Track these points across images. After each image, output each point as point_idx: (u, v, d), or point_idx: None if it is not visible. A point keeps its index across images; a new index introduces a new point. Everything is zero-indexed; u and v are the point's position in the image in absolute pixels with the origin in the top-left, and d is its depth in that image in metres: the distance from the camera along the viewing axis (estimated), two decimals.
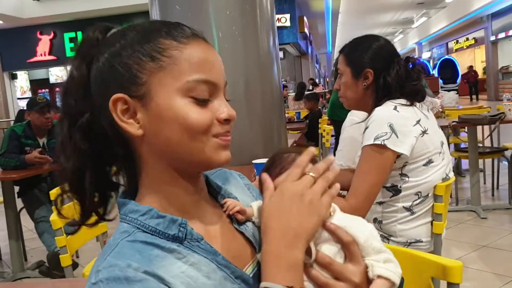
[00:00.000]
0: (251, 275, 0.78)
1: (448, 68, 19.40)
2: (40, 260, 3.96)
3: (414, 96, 1.72)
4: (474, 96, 21.72)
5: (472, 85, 21.61)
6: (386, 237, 1.74)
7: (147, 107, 0.73)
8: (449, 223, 3.93)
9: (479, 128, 4.56)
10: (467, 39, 23.93)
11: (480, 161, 4.66)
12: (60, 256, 1.75)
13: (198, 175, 0.80)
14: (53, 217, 1.78)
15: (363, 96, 1.80)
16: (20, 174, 3.61)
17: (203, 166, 0.77)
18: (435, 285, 1.03)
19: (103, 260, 0.68)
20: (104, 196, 0.80)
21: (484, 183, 5.31)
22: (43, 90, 15.89)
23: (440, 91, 9.82)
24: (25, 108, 4.18)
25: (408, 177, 1.69)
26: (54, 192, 2.38)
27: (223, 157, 0.76)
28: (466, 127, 4.55)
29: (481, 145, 4.79)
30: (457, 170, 5.63)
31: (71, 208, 0.78)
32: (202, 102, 0.73)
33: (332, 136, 5.92)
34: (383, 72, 1.73)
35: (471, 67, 22.20)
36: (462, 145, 5.48)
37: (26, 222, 4.07)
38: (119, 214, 0.77)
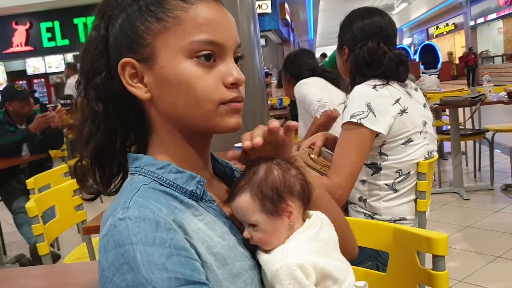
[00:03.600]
0: None
1: (429, 53, 19.49)
2: (20, 253, 3.90)
3: (390, 75, 1.69)
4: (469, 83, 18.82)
5: (471, 69, 19.07)
6: (371, 215, 1.72)
7: (153, 70, 0.72)
8: (432, 205, 3.96)
9: (460, 110, 4.59)
10: (447, 24, 24.15)
11: (462, 143, 4.70)
12: (37, 244, 1.70)
13: (207, 139, 0.79)
14: (29, 204, 1.73)
15: (345, 70, 1.83)
16: None
17: (210, 131, 0.75)
18: (420, 260, 1.01)
19: (129, 198, 0.66)
20: (119, 164, 0.79)
21: (467, 165, 5.36)
22: (20, 82, 15.61)
23: (421, 75, 9.87)
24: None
25: (387, 156, 1.67)
26: (31, 181, 2.32)
27: (231, 123, 0.73)
28: (447, 110, 4.57)
29: (462, 127, 4.81)
30: (440, 153, 5.67)
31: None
32: (207, 65, 0.71)
33: None
34: (352, 51, 1.75)
35: (470, 49, 20.02)
36: (444, 128, 5.51)
37: (5, 216, 3.99)
38: (131, 168, 0.75)
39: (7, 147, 3.68)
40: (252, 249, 0.75)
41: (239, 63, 0.76)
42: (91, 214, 1.90)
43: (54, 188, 2.08)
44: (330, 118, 2.88)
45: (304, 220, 0.77)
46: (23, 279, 1.29)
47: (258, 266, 0.74)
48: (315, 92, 2.97)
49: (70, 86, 8.39)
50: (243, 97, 0.74)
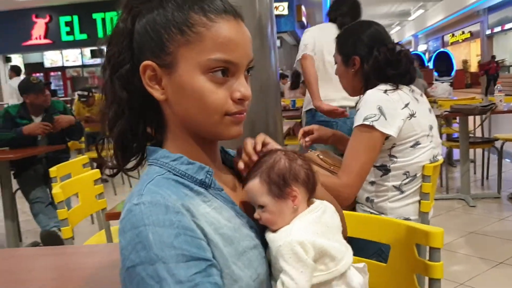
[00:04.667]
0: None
1: (443, 61, 19.45)
2: (35, 241, 4.01)
3: (400, 80, 1.79)
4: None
5: (492, 78, 17.98)
6: (377, 215, 1.81)
7: (171, 76, 0.79)
8: (439, 211, 4.02)
9: (470, 118, 4.64)
10: (463, 32, 24.01)
11: (471, 151, 4.75)
12: (61, 228, 1.81)
13: (215, 141, 0.89)
14: (55, 190, 1.84)
15: (354, 83, 1.89)
16: (17, 154, 3.64)
17: (214, 138, 0.86)
18: (420, 253, 1.10)
19: (143, 186, 0.77)
20: (139, 146, 0.88)
21: (475, 173, 5.40)
22: (38, 74, 15.85)
23: (434, 82, 9.89)
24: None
25: (396, 158, 1.76)
26: (54, 170, 2.43)
27: (233, 132, 0.82)
28: (457, 117, 4.62)
29: (472, 135, 4.87)
30: (449, 160, 5.72)
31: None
32: (220, 80, 0.78)
33: None
34: (366, 59, 1.81)
35: (493, 57, 18.95)
36: (455, 136, 5.56)
37: (21, 204, 4.11)
38: (149, 159, 0.85)
39: (6, 142, 3.77)
40: (256, 231, 0.85)
41: (250, 74, 0.84)
42: (111, 204, 2.01)
43: (77, 177, 2.19)
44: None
45: (308, 206, 0.88)
46: (52, 257, 1.41)
47: (262, 246, 0.84)
48: None
49: (11, 87, 8.85)
50: (247, 109, 0.82)
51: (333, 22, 3.22)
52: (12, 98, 8.83)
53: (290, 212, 0.85)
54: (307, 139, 1.96)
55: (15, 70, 9.20)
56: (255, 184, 0.85)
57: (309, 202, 0.88)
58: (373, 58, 1.79)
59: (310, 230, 0.82)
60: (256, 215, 0.85)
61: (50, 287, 1.16)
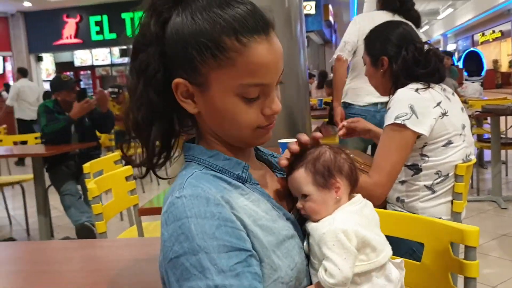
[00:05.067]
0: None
1: (473, 61, 19.05)
2: (66, 236, 4.10)
3: (429, 79, 1.78)
4: None
5: None
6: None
7: (203, 94, 0.81)
8: (469, 212, 3.96)
9: (502, 119, 4.56)
10: (493, 32, 23.50)
11: (503, 152, 4.66)
12: (96, 223, 1.85)
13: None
14: (90, 185, 1.88)
15: (383, 83, 1.90)
16: (50, 150, 3.74)
17: (246, 146, 0.89)
18: (453, 251, 1.09)
19: (184, 180, 0.79)
20: (168, 143, 0.89)
21: (506, 174, 5.31)
22: (68, 73, 16.14)
23: (464, 82, 9.73)
24: (49, 90, 4.29)
25: (428, 157, 1.75)
26: (87, 166, 2.49)
27: (263, 140, 0.86)
28: (489, 118, 4.55)
29: (504, 136, 4.77)
30: (479, 161, 5.62)
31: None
32: (252, 100, 0.80)
33: None
34: (395, 58, 1.82)
35: None
36: (485, 136, 5.46)
37: (53, 200, 4.22)
38: (186, 155, 0.88)
39: (52, 135, 3.87)
40: (293, 222, 0.87)
41: (277, 85, 0.84)
42: (142, 199, 2.04)
43: (111, 172, 2.24)
44: None
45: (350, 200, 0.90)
46: (91, 249, 1.45)
47: (298, 236, 0.86)
48: None
49: (15, 88, 8.83)
50: (275, 119, 0.86)
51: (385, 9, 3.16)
52: (14, 101, 8.69)
53: (333, 202, 0.87)
54: (344, 127, 2.01)
55: (22, 72, 9.13)
56: (301, 174, 0.88)
57: (350, 196, 0.90)
58: (401, 58, 1.79)
59: (353, 220, 0.83)
60: (299, 204, 0.88)
61: (90, 278, 1.19)
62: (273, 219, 0.82)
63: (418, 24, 3.07)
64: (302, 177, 0.88)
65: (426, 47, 1.82)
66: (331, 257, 0.79)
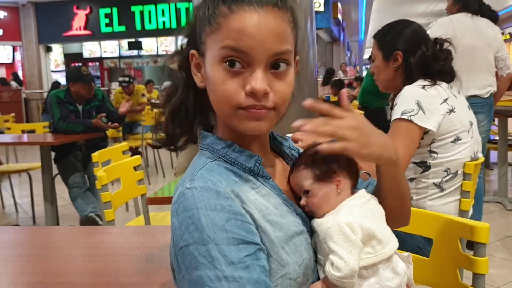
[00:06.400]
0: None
1: None
2: (71, 225, 4.13)
3: (441, 76, 1.79)
4: None
5: None
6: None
7: (204, 64, 0.83)
8: None
9: (510, 120, 4.54)
10: (503, 33, 23.37)
11: (509, 154, 4.64)
12: (104, 210, 1.87)
13: None
14: (100, 173, 1.90)
15: (394, 78, 1.90)
16: (59, 139, 3.76)
17: (235, 130, 0.83)
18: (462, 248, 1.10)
19: (196, 171, 0.80)
20: (189, 124, 0.92)
21: None
22: (76, 64, 16.18)
23: None
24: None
25: (437, 154, 1.75)
26: (96, 155, 2.50)
27: (249, 127, 0.79)
28: (496, 119, 4.53)
29: (510, 137, 4.75)
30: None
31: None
32: (232, 71, 0.78)
33: None
34: (411, 54, 1.82)
35: None
36: (492, 138, 5.44)
37: (59, 189, 4.24)
38: (201, 144, 0.89)
39: (66, 132, 3.90)
40: (302, 218, 0.86)
41: (282, 69, 0.79)
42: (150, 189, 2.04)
43: (119, 162, 2.25)
44: None
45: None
46: (101, 235, 1.46)
47: (308, 233, 0.86)
48: None
49: None
50: (266, 105, 0.78)
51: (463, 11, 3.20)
52: None
53: (335, 196, 0.87)
54: None
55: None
56: (300, 171, 0.88)
57: (354, 192, 0.90)
58: (421, 53, 1.79)
59: (357, 213, 0.83)
60: (302, 202, 0.87)
61: (100, 263, 1.20)
62: (282, 214, 0.82)
63: (495, 22, 3.26)
64: (302, 174, 0.88)
65: (445, 45, 1.83)
66: (337, 251, 0.79)
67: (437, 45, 1.82)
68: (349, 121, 0.79)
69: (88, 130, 3.93)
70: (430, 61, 1.79)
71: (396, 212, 0.92)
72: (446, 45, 1.84)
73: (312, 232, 0.87)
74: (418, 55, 1.80)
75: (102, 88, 12.54)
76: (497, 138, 4.53)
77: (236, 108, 0.78)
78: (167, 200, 1.79)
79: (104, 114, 4.02)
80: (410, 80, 1.81)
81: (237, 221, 0.74)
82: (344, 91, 0.86)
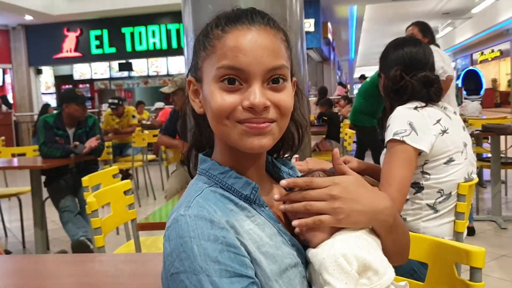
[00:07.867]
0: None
1: (472, 79, 19.18)
2: (62, 249, 4.07)
3: (420, 98, 1.78)
4: None
5: None
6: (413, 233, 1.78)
7: (202, 89, 0.84)
8: None
9: (502, 138, 4.56)
10: (492, 51, 23.64)
11: (502, 172, 4.65)
12: (95, 236, 1.83)
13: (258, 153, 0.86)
14: (90, 199, 1.87)
15: (384, 98, 1.91)
16: (48, 163, 3.73)
17: (237, 147, 0.82)
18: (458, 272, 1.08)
19: (192, 198, 0.78)
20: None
21: (506, 194, 5.29)
22: (67, 86, 16.15)
23: (463, 101, 9.77)
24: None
25: (429, 175, 1.74)
26: (86, 179, 2.47)
27: (250, 143, 0.79)
28: (489, 137, 4.55)
29: (503, 155, 4.77)
30: (479, 180, 5.59)
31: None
32: (230, 88, 0.78)
33: (353, 142, 5.95)
34: (408, 76, 1.80)
35: None
36: (484, 156, 5.46)
37: (49, 213, 4.19)
38: (199, 168, 0.87)
39: (48, 157, 3.88)
40: (298, 249, 0.84)
41: (280, 83, 0.80)
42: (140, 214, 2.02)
43: (109, 186, 2.22)
44: None
45: None
46: (91, 263, 1.42)
47: (303, 265, 0.84)
48: None
49: None
50: (266, 119, 0.78)
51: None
52: None
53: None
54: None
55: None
56: None
57: None
58: (386, 82, 1.84)
59: (353, 243, 0.81)
60: (297, 230, 0.85)
61: None
62: (277, 245, 0.81)
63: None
64: None
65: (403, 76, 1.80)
66: (332, 283, 0.77)
67: (391, 78, 1.82)
68: (330, 190, 0.80)
69: (67, 155, 3.88)
70: (389, 92, 1.82)
71: (395, 259, 0.90)
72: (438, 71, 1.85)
73: (307, 263, 0.85)
74: (385, 84, 1.84)
75: (93, 110, 12.55)
76: (489, 155, 4.55)
77: (235, 122, 0.78)
78: (157, 226, 1.77)
79: (78, 143, 3.93)
80: (395, 103, 1.81)
81: (231, 253, 0.72)
82: (336, 151, 0.87)
